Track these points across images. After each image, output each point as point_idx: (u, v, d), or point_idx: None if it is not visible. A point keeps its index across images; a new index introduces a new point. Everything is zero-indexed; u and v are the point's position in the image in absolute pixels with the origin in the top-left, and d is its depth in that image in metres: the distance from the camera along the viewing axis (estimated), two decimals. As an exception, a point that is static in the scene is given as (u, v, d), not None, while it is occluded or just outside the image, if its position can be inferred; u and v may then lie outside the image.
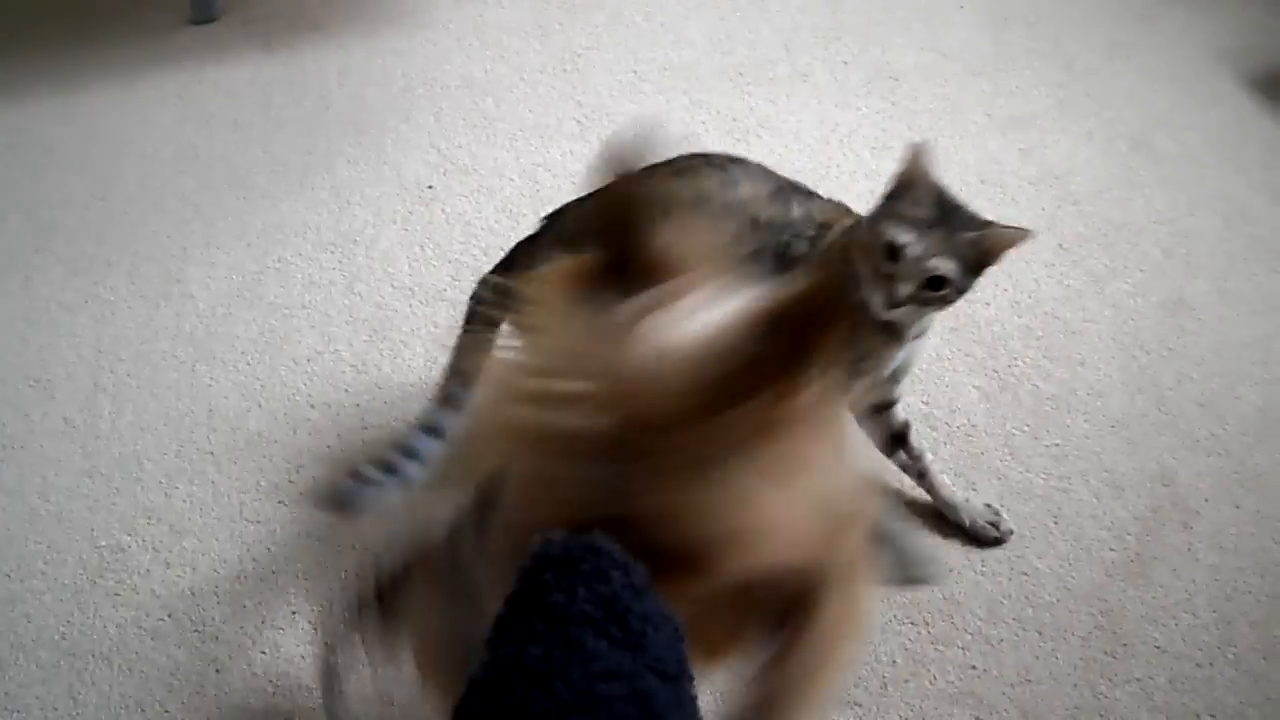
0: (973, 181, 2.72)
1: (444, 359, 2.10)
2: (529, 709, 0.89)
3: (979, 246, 1.76)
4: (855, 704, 1.92)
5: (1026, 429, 2.30)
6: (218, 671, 1.98)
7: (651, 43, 3.20)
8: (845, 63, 3.09)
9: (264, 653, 2.01)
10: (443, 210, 2.73)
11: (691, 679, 1.00)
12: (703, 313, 1.08)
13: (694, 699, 1.00)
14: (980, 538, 2.09)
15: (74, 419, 2.35)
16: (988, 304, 2.49)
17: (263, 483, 2.22)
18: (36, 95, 3.13)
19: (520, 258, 2.02)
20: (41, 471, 2.22)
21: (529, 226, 2.48)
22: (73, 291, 2.58)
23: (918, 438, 2.13)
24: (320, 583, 2.10)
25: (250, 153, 2.89)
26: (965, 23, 3.19)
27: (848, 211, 1.95)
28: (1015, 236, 1.76)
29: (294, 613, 2.05)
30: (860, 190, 2.50)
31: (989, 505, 2.09)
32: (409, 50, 3.19)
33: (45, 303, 2.54)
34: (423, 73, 3.10)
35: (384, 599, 1.50)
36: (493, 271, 2.07)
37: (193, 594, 2.08)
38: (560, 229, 1.99)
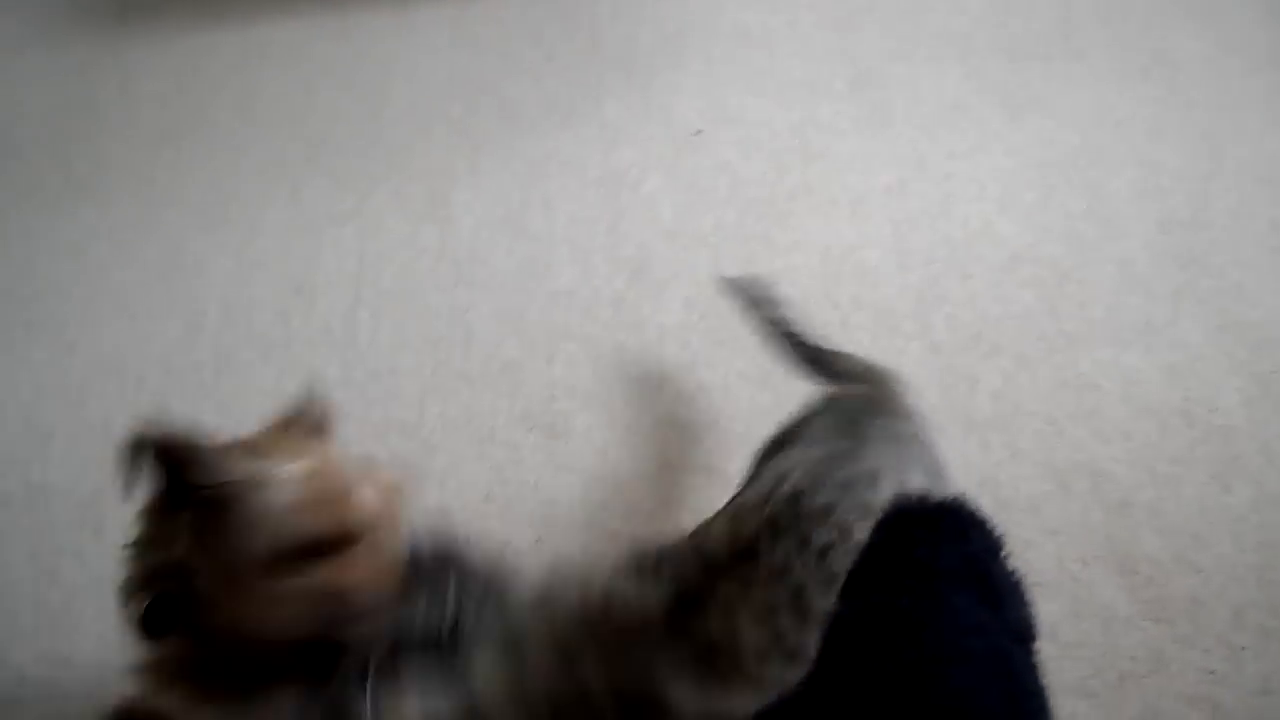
0: (1247, 183, 2.56)
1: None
2: (900, 655, 0.88)
3: None
4: (1092, 694, 1.83)
5: (1291, 438, 2.15)
6: (459, 590, 1.94)
7: (927, 7, 3.11)
8: (1123, 46, 2.94)
9: (506, 578, 1.96)
10: (709, 157, 2.67)
11: (1037, 643, 0.98)
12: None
13: (1039, 665, 0.97)
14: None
15: (333, 329, 2.36)
16: (1255, 306, 2.35)
17: (515, 409, 2.20)
18: (311, 12, 3.15)
19: None
20: (298, 376, 2.22)
21: (796, 182, 2.44)
22: (339, 204, 2.58)
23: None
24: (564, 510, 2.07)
25: (520, 83, 2.87)
26: (1248, 16, 3.02)
27: None
28: None
29: (538, 540, 2.01)
30: (1131, 177, 2.43)
31: None
32: (683, -6, 3.14)
33: (312, 214, 2.56)
34: (696, 18, 3.05)
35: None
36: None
37: (440, 511, 2.05)
38: None
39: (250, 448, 1.32)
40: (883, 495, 1.34)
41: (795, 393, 2.09)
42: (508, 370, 2.25)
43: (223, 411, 2.23)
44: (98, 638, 1.93)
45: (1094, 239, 2.47)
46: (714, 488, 2.03)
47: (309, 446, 1.38)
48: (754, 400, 2.18)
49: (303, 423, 1.44)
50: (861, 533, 1.18)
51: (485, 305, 2.35)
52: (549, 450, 2.12)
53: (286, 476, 1.29)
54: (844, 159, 2.66)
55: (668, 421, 2.14)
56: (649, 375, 2.20)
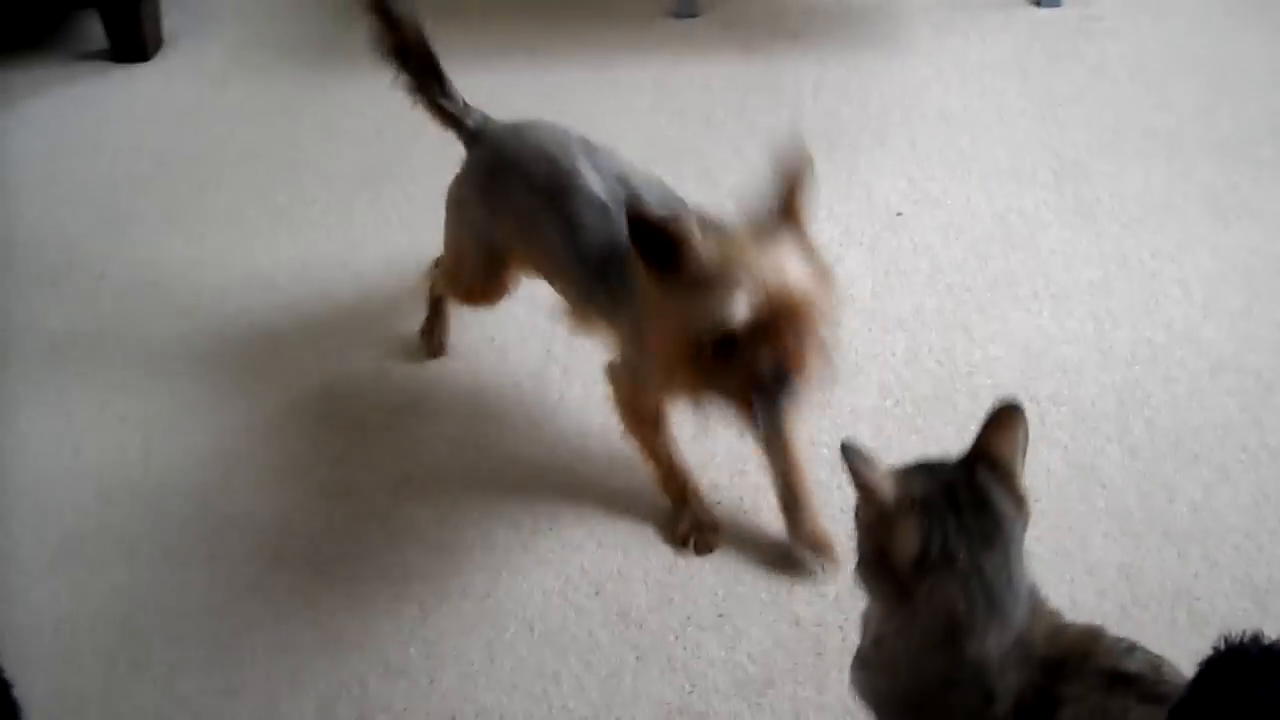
0: None
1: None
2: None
3: None
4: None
5: None
6: (637, 659, 1.94)
7: (1134, 102, 3.07)
8: (1340, 154, 2.87)
9: (684, 649, 1.96)
10: (910, 240, 2.65)
11: None
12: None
13: None
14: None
15: (523, 384, 2.38)
16: None
17: (704, 480, 2.16)
18: (511, 64, 3.21)
19: None
20: (482, 428, 2.25)
21: (998, 271, 2.40)
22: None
23: None
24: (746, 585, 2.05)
25: (720, 150, 2.89)
26: None
27: None
28: None
29: (720, 615, 1.99)
30: None
31: None
32: (887, 74, 3.15)
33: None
34: (900, 98, 3.04)
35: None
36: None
37: (621, 576, 2.05)
38: None
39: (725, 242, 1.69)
40: None
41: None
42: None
43: (407, 459, 2.25)
44: (265, 675, 1.93)
45: (1309, 355, 2.38)
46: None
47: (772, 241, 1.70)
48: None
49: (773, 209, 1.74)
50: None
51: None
52: (736, 525, 2.16)
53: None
54: (1046, 251, 2.62)
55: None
56: (837, 457, 2.16)
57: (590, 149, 2.05)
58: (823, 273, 1.71)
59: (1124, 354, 2.39)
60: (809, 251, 1.71)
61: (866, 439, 2.05)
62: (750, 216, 1.72)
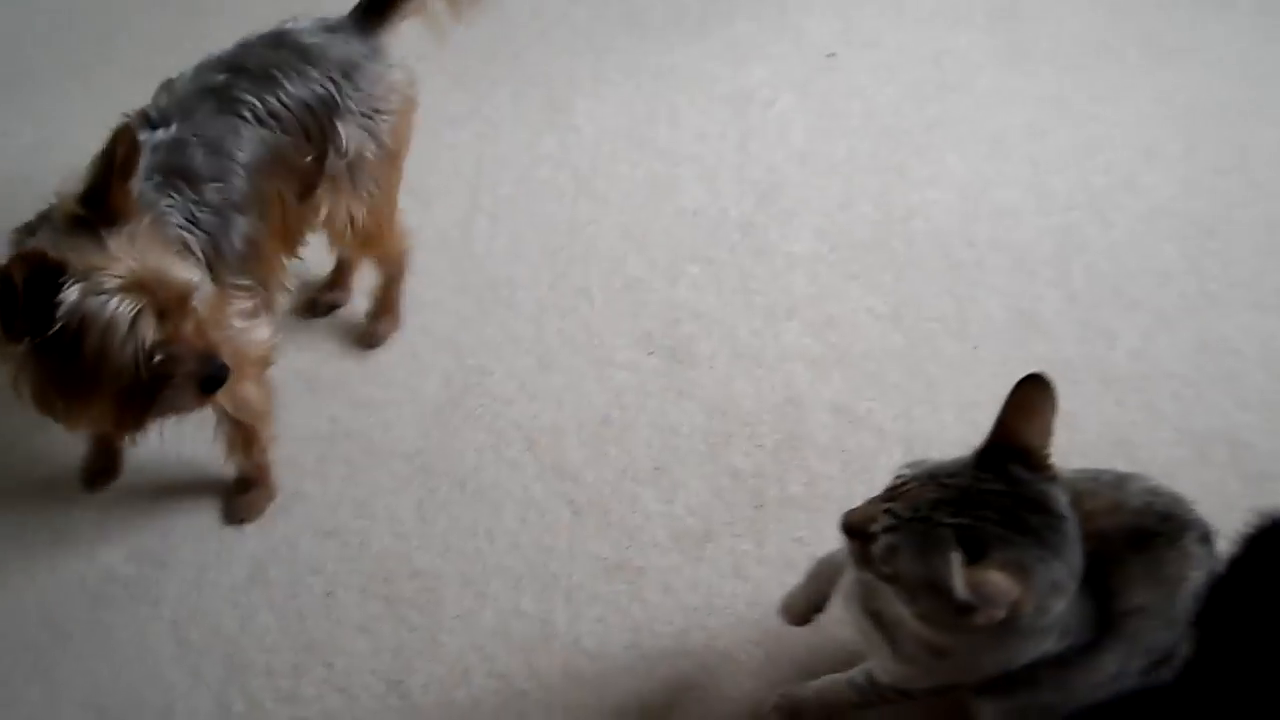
0: None
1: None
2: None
3: None
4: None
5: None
6: (573, 514, 1.91)
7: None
8: (1277, -5, 2.82)
9: (621, 503, 1.92)
10: (843, 82, 2.59)
11: None
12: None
13: None
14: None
15: (449, 234, 2.30)
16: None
17: (636, 330, 2.13)
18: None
19: None
20: (411, 281, 2.14)
21: (933, 114, 2.34)
22: (456, 105, 2.51)
23: None
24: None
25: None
26: None
27: None
28: None
29: (656, 468, 1.95)
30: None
31: None
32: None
33: (427, 112, 2.45)
34: (835, -63, 2.93)
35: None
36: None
37: (554, 430, 2.00)
38: None
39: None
40: None
41: (929, 335, 2.01)
42: (630, 289, 2.18)
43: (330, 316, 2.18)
44: (192, 541, 1.90)
45: (1240, 197, 2.37)
46: (840, 426, 1.95)
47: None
48: (886, 339, 2.11)
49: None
50: None
51: (606, 219, 2.29)
52: (670, 376, 2.05)
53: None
54: (981, 94, 2.57)
55: (794, 354, 2.05)
56: (775, 305, 2.12)
57: None
58: (164, 254, 1.53)
59: (1062, 198, 2.35)
60: (148, 238, 1.52)
61: (802, 288, 2.01)
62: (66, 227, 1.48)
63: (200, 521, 1.92)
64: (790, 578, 1.65)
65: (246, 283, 1.72)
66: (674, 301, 2.16)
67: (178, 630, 1.81)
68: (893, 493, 1.27)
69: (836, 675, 1.58)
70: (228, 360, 1.56)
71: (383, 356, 2.11)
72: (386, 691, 1.74)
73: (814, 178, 2.37)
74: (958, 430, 1.89)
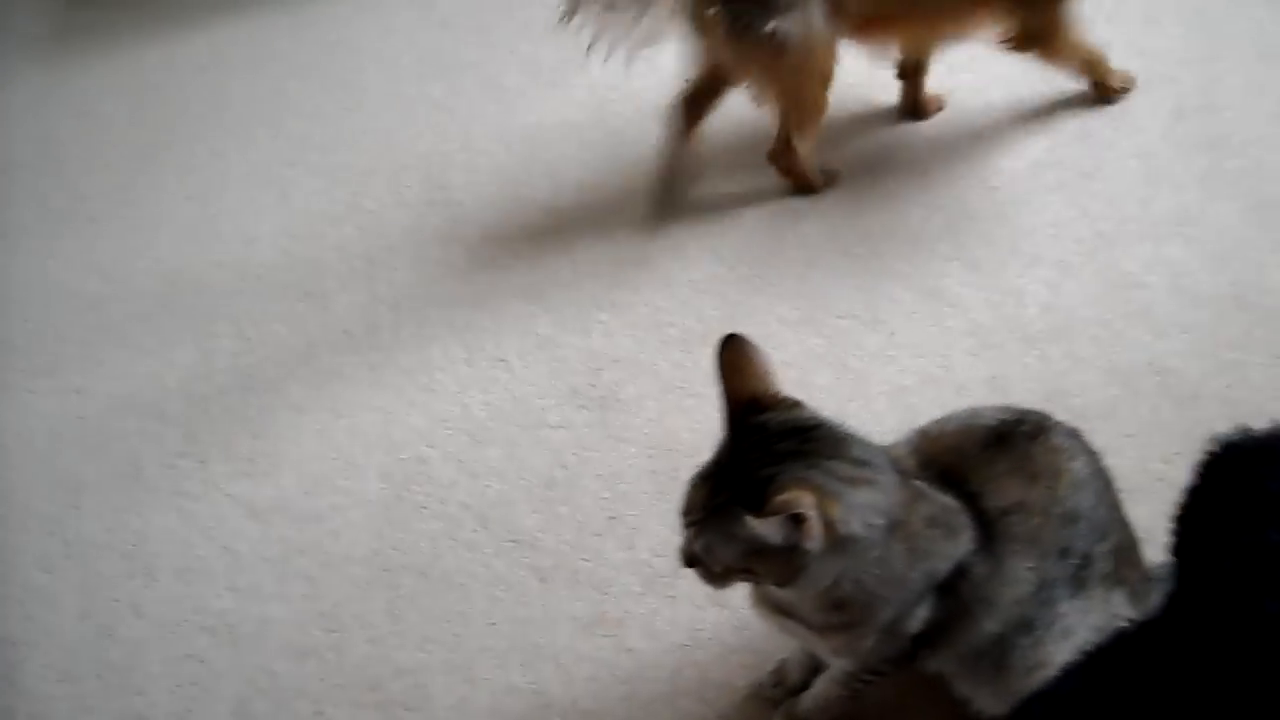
0: (1251, 62, 2.55)
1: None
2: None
3: None
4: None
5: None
6: (541, 581, 1.90)
7: None
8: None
9: (586, 560, 1.92)
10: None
11: None
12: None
13: None
14: None
15: (354, 331, 2.30)
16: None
17: (561, 387, 2.13)
18: (261, 9, 3.05)
19: None
20: (328, 386, 2.15)
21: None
22: (334, 203, 2.51)
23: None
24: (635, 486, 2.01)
25: (497, 56, 2.79)
26: None
27: None
28: None
29: (611, 518, 1.95)
30: (1134, 68, 2.51)
31: None
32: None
33: (305, 215, 2.48)
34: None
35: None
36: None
37: (503, 503, 2.00)
38: None
39: None
40: None
41: (844, 331, 2.04)
42: (544, 348, 2.18)
43: (256, 434, 2.19)
44: (170, 691, 1.84)
45: (1109, 135, 2.42)
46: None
47: None
48: (804, 343, 2.13)
49: None
50: None
51: (508, 284, 2.28)
52: (604, 425, 2.07)
53: None
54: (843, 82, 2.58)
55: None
56: (689, 333, 2.14)
57: None
58: None
59: (941, 174, 2.38)
60: None
61: (711, 310, 2.02)
62: None
63: (173, 670, 1.87)
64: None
65: None
66: (591, 351, 2.17)
67: (173, 785, 1.77)
68: (683, 513, 1.31)
69: (821, 676, 1.59)
70: None
71: (314, 467, 2.08)
72: (400, 798, 1.71)
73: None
74: (893, 417, 1.90)
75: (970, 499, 1.36)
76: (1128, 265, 2.16)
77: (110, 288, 2.41)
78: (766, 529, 1.20)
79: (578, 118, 2.57)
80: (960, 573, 1.34)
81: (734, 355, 1.32)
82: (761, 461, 1.25)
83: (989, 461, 1.37)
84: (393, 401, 2.14)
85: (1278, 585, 0.78)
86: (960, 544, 1.33)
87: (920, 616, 1.35)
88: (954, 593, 1.35)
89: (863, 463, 1.27)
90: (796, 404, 1.32)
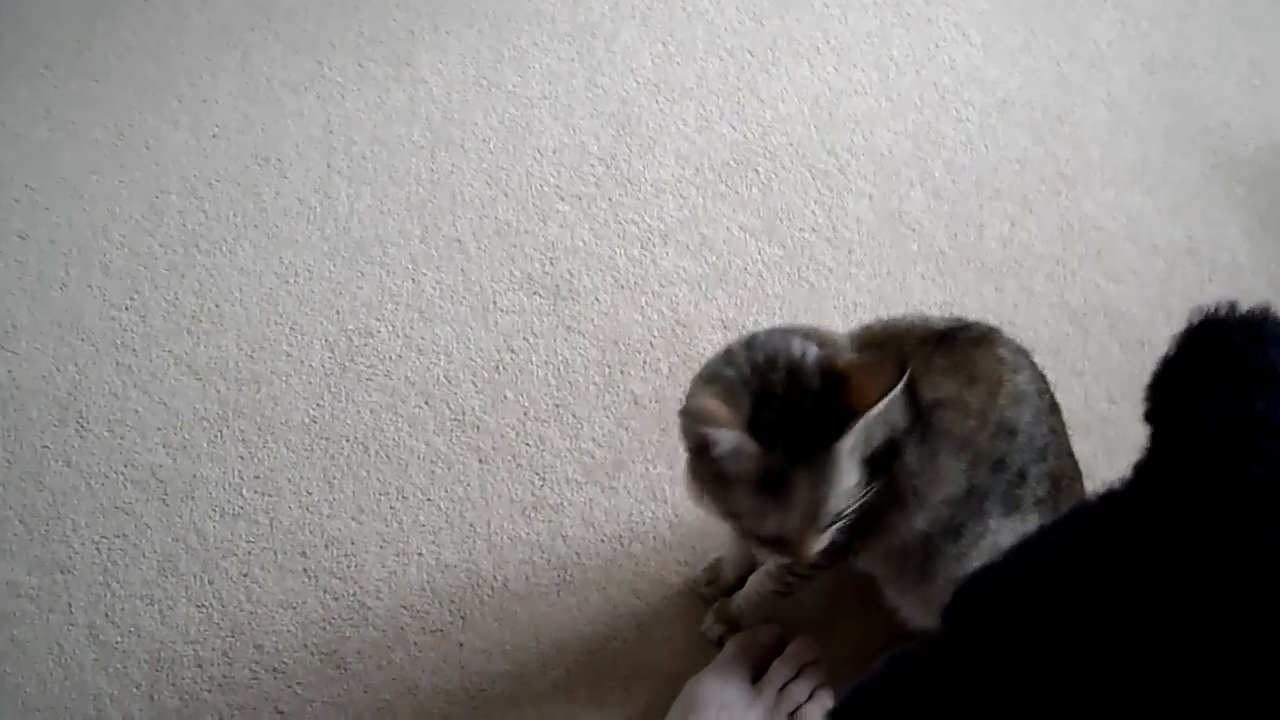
0: (1224, 23, 2.61)
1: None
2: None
3: None
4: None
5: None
6: (481, 461, 1.88)
7: None
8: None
9: (528, 445, 1.91)
10: (683, 7, 2.56)
11: None
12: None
13: None
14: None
15: (309, 199, 2.24)
16: (1245, 143, 2.34)
17: (515, 273, 2.10)
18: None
19: None
20: (279, 252, 2.11)
21: (775, 30, 2.36)
22: (295, 71, 2.45)
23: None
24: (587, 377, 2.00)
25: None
26: None
27: None
28: None
29: (557, 405, 1.94)
30: (1109, 20, 2.53)
31: None
32: None
33: (267, 81, 2.42)
34: None
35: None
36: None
37: (449, 381, 1.97)
38: None
39: None
40: None
41: (804, 244, 2.03)
42: (502, 234, 2.16)
43: (200, 293, 2.09)
44: (95, 541, 1.81)
45: (1080, 81, 2.42)
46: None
47: None
48: (763, 253, 2.12)
49: None
50: None
51: (468, 167, 2.26)
52: (556, 314, 2.04)
53: None
54: (821, 6, 2.58)
55: (675, 278, 2.06)
56: (649, 231, 2.12)
57: None
58: None
59: (912, 100, 2.38)
60: None
61: (673, 212, 2.01)
62: None
63: (99, 522, 1.84)
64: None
65: None
66: (549, 240, 2.15)
67: (95, 635, 1.75)
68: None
69: (755, 573, 1.59)
70: None
71: (258, 330, 2.04)
72: (322, 664, 1.71)
73: (668, 104, 2.36)
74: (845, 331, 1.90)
75: (911, 392, 1.35)
76: (1088, 208, 2.18)
77: (59, 135, 2.34)
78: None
79: (550, 8, 2.52)
80: (894, 451, 1.34)
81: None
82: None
83: (927, 356, 1.38)
84: (343, 272, 2.10)
85: (1264, 452, 0.77)
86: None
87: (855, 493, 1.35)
88: (887, 473, 1.34)
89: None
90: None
